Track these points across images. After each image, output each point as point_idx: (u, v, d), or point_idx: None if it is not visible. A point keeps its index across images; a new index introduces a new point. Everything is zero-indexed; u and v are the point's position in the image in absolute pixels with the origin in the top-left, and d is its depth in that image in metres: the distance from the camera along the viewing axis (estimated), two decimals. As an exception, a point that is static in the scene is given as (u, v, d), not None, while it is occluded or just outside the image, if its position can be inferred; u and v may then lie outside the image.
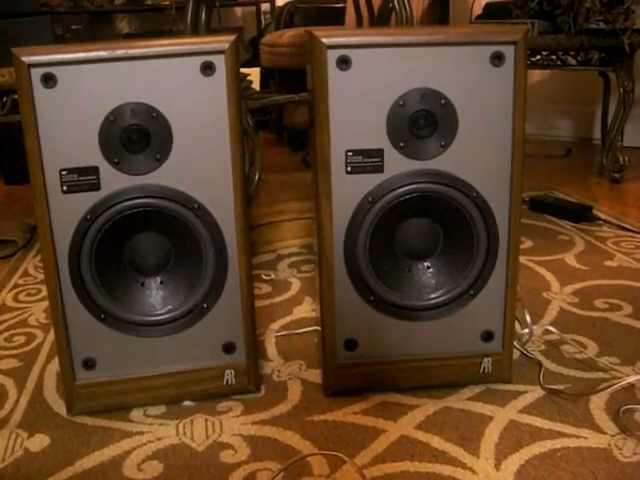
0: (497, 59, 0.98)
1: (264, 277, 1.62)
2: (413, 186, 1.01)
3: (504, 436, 0.97)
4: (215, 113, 0.98)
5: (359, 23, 2.68)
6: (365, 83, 0.97)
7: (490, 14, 2.58)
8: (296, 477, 0.91)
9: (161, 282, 1.06)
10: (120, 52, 0.94)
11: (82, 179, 0.97)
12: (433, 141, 1.00)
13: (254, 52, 3.72)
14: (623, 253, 1.71)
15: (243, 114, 1.01)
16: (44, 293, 1.56)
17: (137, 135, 0.97)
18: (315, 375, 1.16)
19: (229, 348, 1.08)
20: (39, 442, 1.00)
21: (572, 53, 2.44)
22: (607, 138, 2.50)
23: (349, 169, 1.00)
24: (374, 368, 1.09)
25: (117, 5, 4.21)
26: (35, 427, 1.04)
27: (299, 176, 2.14)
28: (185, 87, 0.97)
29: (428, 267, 1.08)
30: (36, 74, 0.93)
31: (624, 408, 1.02)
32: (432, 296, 1.06)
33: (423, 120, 0.99)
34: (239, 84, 0.99)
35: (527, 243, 1.80)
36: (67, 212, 0.98)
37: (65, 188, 0.97)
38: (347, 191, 1.01)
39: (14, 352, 1.29)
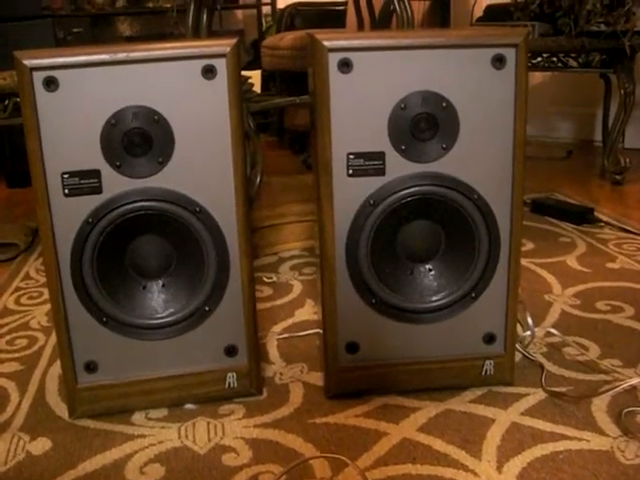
0: (498, 62, 0.98)
1: (266, 280, 1.62)
2: (415, 189, 1.01)
3: (506, 439, 0.97)
4: (216, 116, 0.98)
5: (360, 26, 2.68)
6: (366, 86, 0.97)
7: (491, 16, 2.58)
8: (298, 480, 0.91)
9: (163, 285, 1.06)
10: (122, 55, 0.94)
11: (84, 182, 0.97)
12: (434, 144, 1.00)
13: (255, 55, 3.72)
14: (625, 255, 1.71)
15: (244, 117, 1.02)
16: (46, 296, 1.56)
17: (139, 138, 0.97)
18: (317, 378, 1.16)
19: (231, 351, 1.08)
20: (41, 445, 1.00)
21: (573, 55, 2.44)
22: (608, 140, 2.49)
23: (350, 172, 1.01)
24: (376, 371, 1.09)
25: (118, 8, 4.21)
26: (37, 430, 1.04)
27: (300, 179, 2.14)
28: (186, 90, 0.97)
29: (430, 269, 1.08)
30: (38, 77, 0.93)
31: (626, 410, 1.02)
32: (434, 299, 1.06)
33: (424, 123, 0.99)
34: (240, 87, 0.99)
35: (528, 245, 1.80)
36: (69, 215, 0.98)
37: (67, 191, 0.97)
38: (349, 194, 1.01)
39: (16, 355, 1.29)
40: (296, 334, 1.32)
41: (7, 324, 1.44)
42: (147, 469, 0.94)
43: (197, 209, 1.00)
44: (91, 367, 1.05)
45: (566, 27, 2.27)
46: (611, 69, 2.40)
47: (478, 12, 2.71)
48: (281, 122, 3.52)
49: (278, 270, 1.69)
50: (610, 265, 1.64)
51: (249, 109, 1.72)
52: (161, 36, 3.92)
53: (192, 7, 1.78)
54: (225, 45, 0.96)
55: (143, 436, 1.02)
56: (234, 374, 1.08)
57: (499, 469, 0.91)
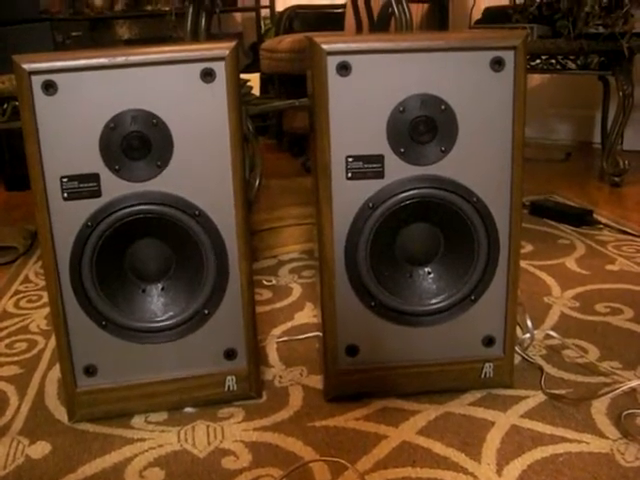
0: (497, 64, 0.98)
1: (265, 283, 1.62)
2: (414, 192, 1.01)
3: (506, 441, 0.97)
4: (215, 120, 0.98)
5: (358, 29, 2.69)
6: (365, 89, 0.98)
7: (489, 19, 2.59)
8: (298, 483, 0.91)
9: (162, 288, 1.06)
10: (120, 59, 0.94)
11: (83, 186, 0.97)
12: (433, 146, 1.00)
13: (254, 58, 3.72)
14: (624, 257, 1.71)
15: (243, 120, 1.02)
16: (45, 300, 1.56)
17: (138, 142, 0.97)
18: (316, 381, 1.16)
19: (230, 354, 1.08)
20: (40, 449, 1.00)
21: (571, 57, 2.44)
22: (607, 142, 2.50)
23: (349, 175, 1.01)
24: (375, 374, 1.09)
25: (117, 11, 4.21)
26: (36, 434, 1.04)
27: (299, 181, 2.14)
28: (185, 94, 0.97)
29: (429, 272, 1.08)
30: (37, 81, 0.93)
31: (626, 413, 1.02)
32: (433, 301, 1.06)
33: (423, 126, 0.99)
34: (239, 91, 0.99)
35: (528, 247, 1.80)
36: (68, 219, 0.98)
37: (66, 195, 0.97)
38: (348, 197, 1.01)
39: (15, 359, 1.29)
40: (295, 337, 1.32)
41: (6, 327, 1.44)
42: (147, 473, 0.94)
43: (196, 212, 1.00)
44: (90, 371, 1.05)
45: (565, 29, 2.28)
46: (609, 71, 2.41)
47: (476, 15, 2.72)
48: (280, 125, 3.53)
49: (277, 273, 1.69)
50: (609, 267, 1.64)
51: (248, 112, 1.72)
52: (160, 39, 3.92)
53: (191, 10, 1.79)
54: (224, 48, 0.96)
55: (143, 440, 1.01)
56: (233, 377, 1.08)
57: (499, 472, 0.91)
